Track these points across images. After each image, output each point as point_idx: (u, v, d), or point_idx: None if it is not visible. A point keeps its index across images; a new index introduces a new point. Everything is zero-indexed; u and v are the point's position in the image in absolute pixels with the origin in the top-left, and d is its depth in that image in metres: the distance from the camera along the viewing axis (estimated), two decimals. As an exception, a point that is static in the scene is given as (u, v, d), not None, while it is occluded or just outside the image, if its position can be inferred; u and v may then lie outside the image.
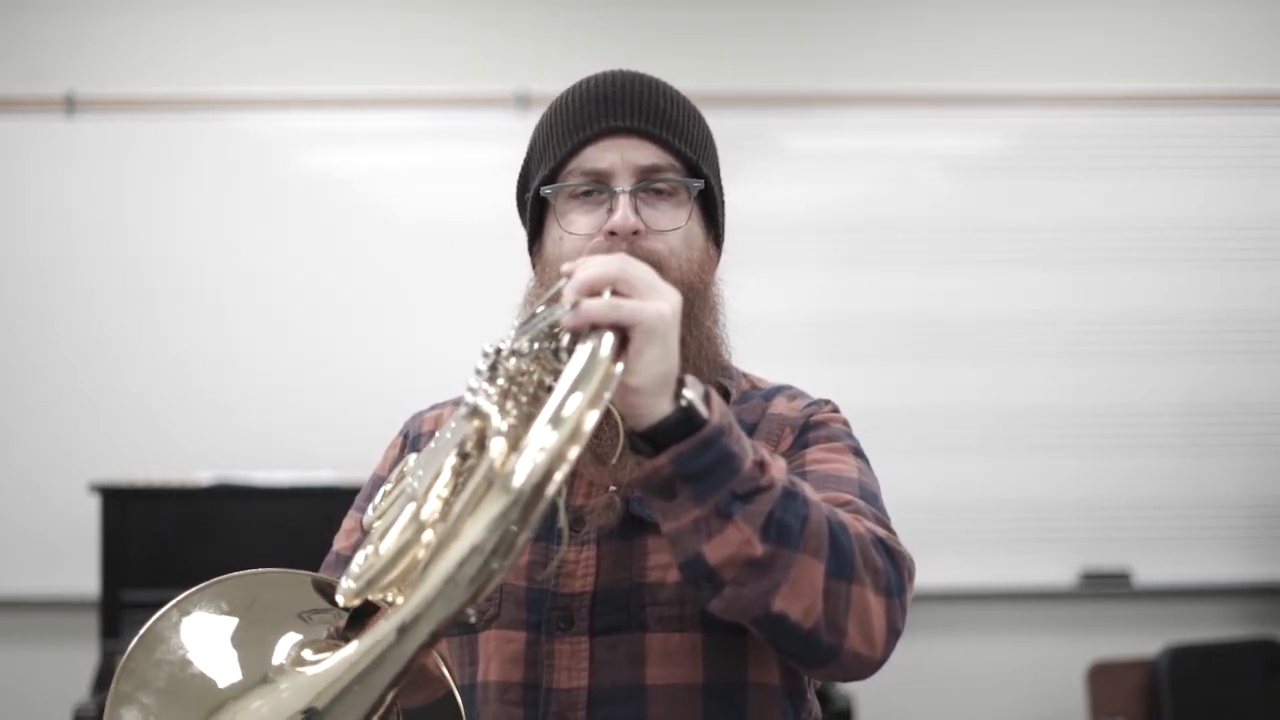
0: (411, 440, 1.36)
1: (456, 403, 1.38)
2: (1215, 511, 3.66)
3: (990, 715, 3.68)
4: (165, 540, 3.13)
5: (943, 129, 3.70)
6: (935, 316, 3.64)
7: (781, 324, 3.50)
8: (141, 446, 3.51)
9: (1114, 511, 3.64)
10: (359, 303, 3.59)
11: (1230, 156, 3.70)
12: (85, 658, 3.37)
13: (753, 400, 1.31)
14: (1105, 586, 3.64)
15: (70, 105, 3.59)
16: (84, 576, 3.36)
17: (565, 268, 1.03)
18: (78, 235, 3.57)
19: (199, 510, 3.17)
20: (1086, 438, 3.63)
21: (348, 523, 1.35)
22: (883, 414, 3.53)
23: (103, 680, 2.98)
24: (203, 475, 3.27)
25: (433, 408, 1.40)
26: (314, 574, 1.07)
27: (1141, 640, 3.56)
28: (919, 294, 3.63)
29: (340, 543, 1.33)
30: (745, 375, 1.36)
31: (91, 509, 3.24)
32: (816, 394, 1.34)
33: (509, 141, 3.64)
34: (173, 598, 0.99)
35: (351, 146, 3.64)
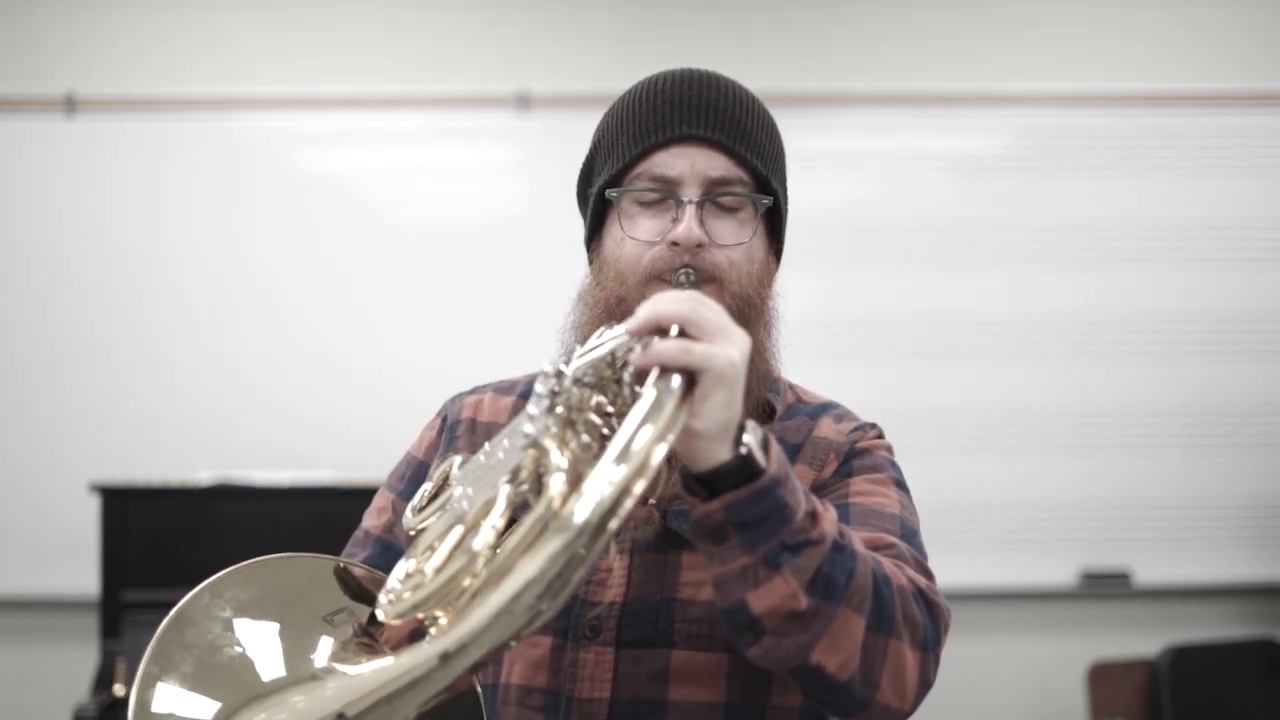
0: (449, 425, 1.34)
1: (498, 387, 1.37)
2: (1215, 511, 3.66)
3: (990, 715, 3.68)
4: (165, 540, 3.13)
5: (943, 129, 3.70)
6: (935, 316, 3.64)
7: (780, 324, 3.49)
8: (141, 446, 3.51)
9: (1114, 511, 3.64)
10: (359, 303, 3.59)
11: (1231, 156, 3.70)
12: (85, 658, 3.36)
13: (798, 417, 1.29)
14: (1105, 586, 3.64)
15: (70, 105, 3.59)
16: (84, 576, 3.36)
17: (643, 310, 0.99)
18: (77, 235, 3.57)
19: (199, 510, 3.17)
20: (1086, 438, 3.63)
21: (379, 500, 1.33)
22: (882, 414, 3.50)
23: (103, 680, 2.98)
24: (203, 475, 3.27)
25: (473, 391, 1.38)
26: (340, 560, 1.07)
27: (1141, 640, 3.56)
28: (919, 294, 3.63)
29: (370, 520, 1.32)
30: (792, 387, 1.34)
31: (91, 509, 3.24)
32: (862, 415, 1.33)
33: (509, 141, 3.67)
34: (173, 597, 0.99)
35: (351, 146, 3.64)
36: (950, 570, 3.52)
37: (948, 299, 3.64)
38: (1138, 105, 3.70)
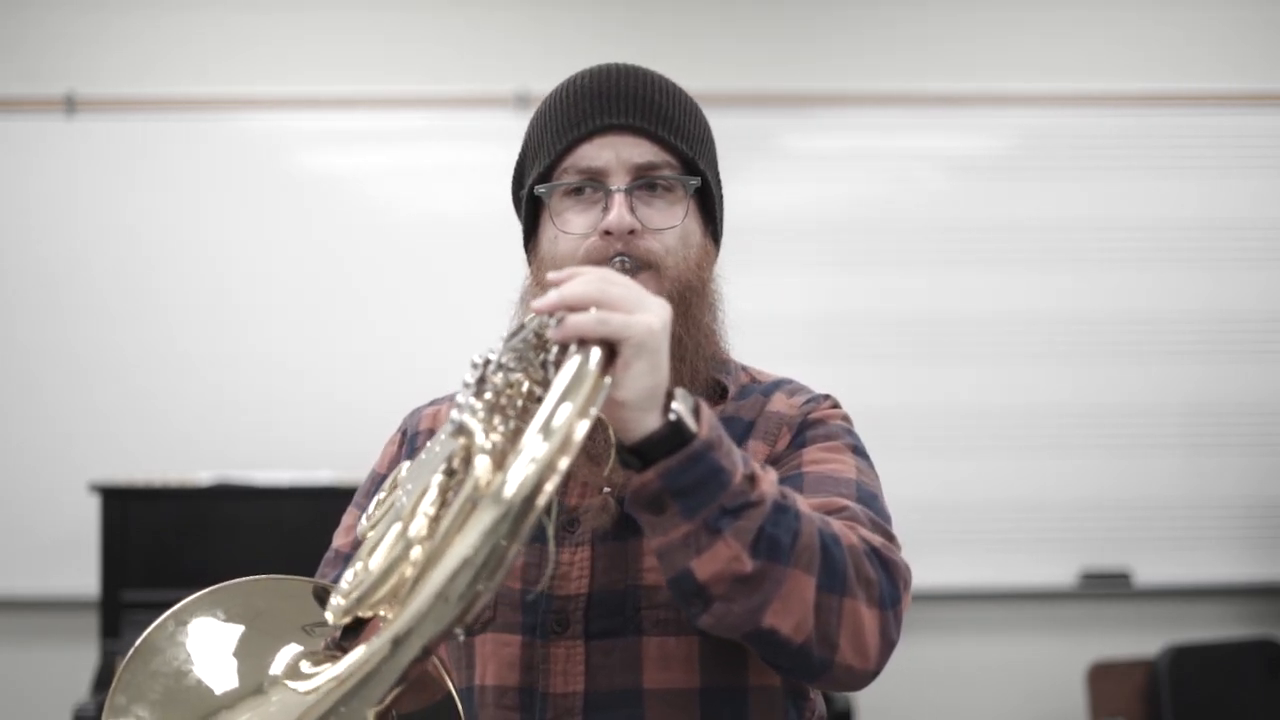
0: (410, 437, 1.35)
1: (454, 399, 1.38)
2: (1215, 511, 3.66)
3: (990, 715, 3.68)
4: (165, 540, 3.13)
5: (943, 129, 3.70)
6: (935, 316, 3.64)
7: (781, 324, 3.50)
8: (141, 446, 3.51)
9: (1114, 511, 3.64)
10: (358, 302, 3.59)
11: (1230, 156, 3.70)
12: (85, 658, 3.37)
13: (751, 395, 1.29)
14: (1105, 586, 3.64)
15: (70, 105, 3.59)
16: (84, 576, 3.36)
17: (552, 276, 1.01)
18: (77, 235, 3.57)
19: (199, 510, 3.17)
20: (1086, 438, 3.63)
21: (347, 519, 1.34)
22: (883, 414, 3.53)
23: (103, 680, 2.98)
24: (203, 475, 3.27)
25: (431, 404, 1.39)
26: (313, 580, 1.06)
27: (1141, 640, 3.56)
28: (919, 294, 3.63)
29: (339, 540, 1.32)
30: (745, 369, 1.34)
31: (91, 509, 3.24)
32: (818, 389, 1.32)
33: (509, 141, 3.63)
34: (172, 598, 0.98)
35: (351, 146, 3.64)
36: (950, 570, 3.55)
37: (948, 299, 3.64)
38: (1137, 106, 3.69)
